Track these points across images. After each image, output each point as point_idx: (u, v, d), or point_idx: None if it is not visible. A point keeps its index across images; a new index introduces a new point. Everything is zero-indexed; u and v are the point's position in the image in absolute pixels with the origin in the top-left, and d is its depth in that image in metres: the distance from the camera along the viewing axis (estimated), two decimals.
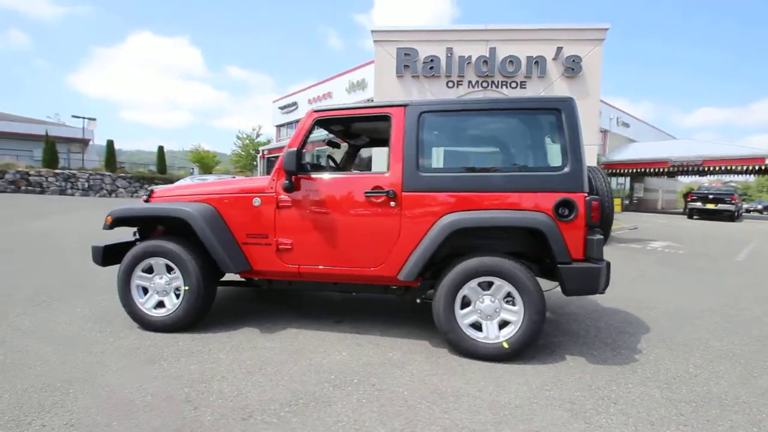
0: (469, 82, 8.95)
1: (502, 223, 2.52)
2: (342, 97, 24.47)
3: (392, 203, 2.71)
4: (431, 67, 8.99)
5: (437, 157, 2.91)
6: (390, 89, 9.16)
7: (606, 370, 2.51)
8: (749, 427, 1.94)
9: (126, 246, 3.20)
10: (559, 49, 8.52)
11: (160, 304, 3.00)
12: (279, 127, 31.36)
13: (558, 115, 2.60)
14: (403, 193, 2.70)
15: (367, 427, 1.84)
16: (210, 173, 27.59)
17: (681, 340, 3.10)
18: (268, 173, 2.98)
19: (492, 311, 2.59)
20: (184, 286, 2.90)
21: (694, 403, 2.14)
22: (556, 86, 8.69)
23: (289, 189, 2.82)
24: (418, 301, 2.93)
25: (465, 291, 2.59)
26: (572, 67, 8.59)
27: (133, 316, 2.99)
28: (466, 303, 2.63)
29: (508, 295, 2.57)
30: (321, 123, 2.93)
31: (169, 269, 2.98)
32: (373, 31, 9.50)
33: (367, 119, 2.96)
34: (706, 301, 4.30)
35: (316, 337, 2.94)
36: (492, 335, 2.58)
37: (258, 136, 33.59)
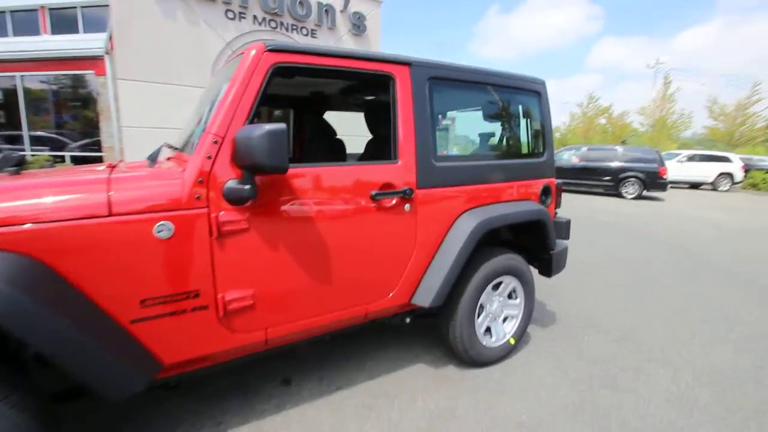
0: (255, 17, 7.33)
1: (524, 218, 2.28)
2: None
3: (407, 206, 1.93)
4: None
5: (445, 141, 2.24)
6: (143, 10, 6.28)
7: (569, 331, 2.82)
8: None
9: None
10: (347, 1, 8.25)
11: None
12: None
13: (539, 98, 2.51)
14: (418, 190, 1.96)
15: None
16: None
17: (594, 285, 3.72)
18: None
19: (499, 311, 2.41)
20: None
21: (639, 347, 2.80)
22: (345, 42, 8.51)
23: (246, 198, 1.48)
24: (407, 320, 2.33)
25: (482, 298, 2.27)
26: (358, 25, 8.59)
27: None
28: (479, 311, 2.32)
29: (511, 290, 2.45)
30: (279, 72, 1.62)
31: None
32: None
33: (352, 75, 1.85)
34: (578, 248, 5.05)
35: (292, 417, 1.87)
36: (501, 335, 2.42)
37: None
